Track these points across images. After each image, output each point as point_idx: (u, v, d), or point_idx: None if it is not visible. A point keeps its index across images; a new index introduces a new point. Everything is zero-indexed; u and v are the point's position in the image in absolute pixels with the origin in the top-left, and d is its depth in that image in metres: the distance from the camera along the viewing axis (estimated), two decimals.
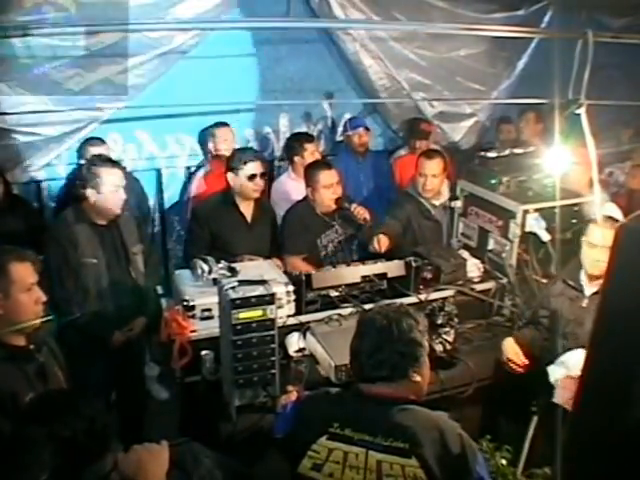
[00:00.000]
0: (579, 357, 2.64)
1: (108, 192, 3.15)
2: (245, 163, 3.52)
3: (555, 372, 2.73)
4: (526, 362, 2.92)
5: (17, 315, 2.13)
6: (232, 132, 4.37)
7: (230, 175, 3.57)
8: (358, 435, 1.79)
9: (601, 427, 1.44)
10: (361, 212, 3.60)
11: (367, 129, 4.77)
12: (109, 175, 3.16)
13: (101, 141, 4.12)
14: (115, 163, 3.27)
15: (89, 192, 3.14)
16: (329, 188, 3.62)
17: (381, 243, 3.52)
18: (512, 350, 2.96)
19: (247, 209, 3.64)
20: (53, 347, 2.35)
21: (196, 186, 4.38)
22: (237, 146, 4.40)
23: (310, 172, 3.72)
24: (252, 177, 3.53)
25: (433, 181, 3.81)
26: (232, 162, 3.59)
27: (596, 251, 2.73)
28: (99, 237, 3.21)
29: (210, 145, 4.41)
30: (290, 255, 3.64)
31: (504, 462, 2.59)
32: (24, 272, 2.14)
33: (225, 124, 4.37)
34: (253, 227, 3.65)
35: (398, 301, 2.62)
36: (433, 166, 3.81)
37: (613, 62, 4.76)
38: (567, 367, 2.67)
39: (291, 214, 3.79)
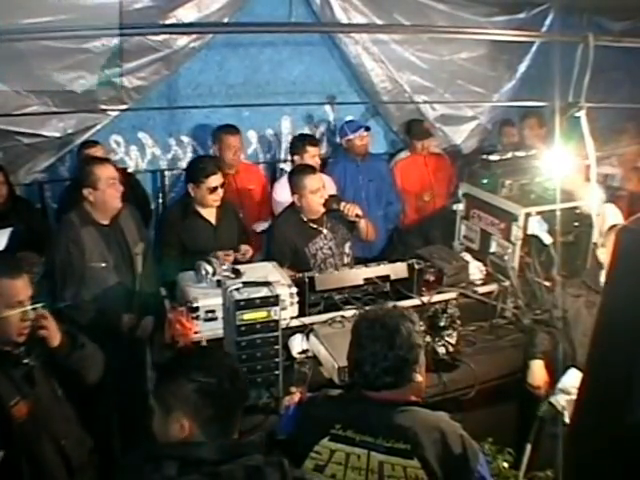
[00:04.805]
0: (573, 377, 2.66)
1: (105, 187, 3.18)
2: (207, 176, 3.52)
3: (559, 400, 2.72)
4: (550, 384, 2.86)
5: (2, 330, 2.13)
6: (240, 140, 4.36)
7: (191, 185, 3.58)
8: (360, 436, 1.79)
9: (601, 429, 1.44)
10: (351, 209, 3.57)
11: (368, 129, 4.74)
12: (102, 171, 3.19)
13: (97, 143, 4.16)
14: (105, 160, 3.32)
15: (87, 192, 3.17)
16: (316, 193, 3.54)
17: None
18: (542, 378, 2.88)
19: (210, 214, 3.67)
20: (46, 351, 2.32)
21: None
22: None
23: (295, 178, 3.62)
24: (213, 189, 3.55)
25: None
26: (194, 173, 3.59)
27: None
28: (105, 238, 3.23)
29: (215, 148, 4.40)
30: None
31: (506, 465, 2.60)
32: (12, 289, 2.14)
33: (235, 132, 4.32)
34: (219, 229, 3.68)
35: (390, 303, 2.62)
36: None
37: (616, 65, 4.77)
38: (568, 392, 2.66)
39: (277, 223, 3.74)
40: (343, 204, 3.59)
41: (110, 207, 3.24)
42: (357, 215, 3.59)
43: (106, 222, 3.26)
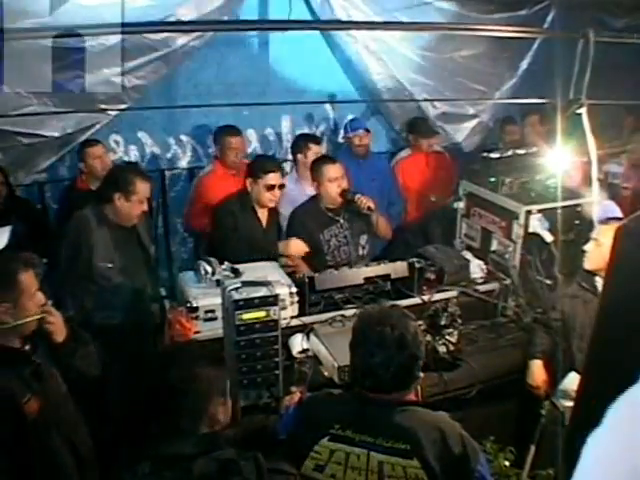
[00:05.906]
0: (574, 380, 2.65)
1: (137, 202, 3.12)
2: (266, 173, 3.57)
3: (562, 402, 2.73)
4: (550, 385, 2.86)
5: (22, 321, 2.14)
6: (242, 142, 4.35)
7: (249, 181, 3.62)
8: (359, 436, 1.79)
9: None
10: (364, 201, 3.65)
11: (367, 131, 4.74)
12: (143, 188, 3.14)
13: (98, 142, 4.14)
14: (147, 176, 3.27)
15: (117, 196, 3.10)
16: (334, 182, 3.67)
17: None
18: (541, 378, 2.89)
19: (263, 214, 3.73)
20: (52, 347, 2.33)
21: (197, 187, 4.39)
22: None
23: (316, 167, 3.77)
24: (271, 187, 3.60)
25: None
26: (253, 169, 3.64)
27: (603, 249, 2.71)
28: (118, 240, 3.18)
29: (217, 148, 4.37)
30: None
31: (507, 463, 2.59)
32: (30, 280, 2.15)
33: (237, 133, 4.29)
34: (267, 232, 3.72)
35: (387, 303, 2.62)
36: None
37: (619, 62, 4.75)
38: (569, 395, 2.65)
39: (296, 211, 3.83)
40: (357, 196, 3.68)
41: (129, 220, 3.19)
42: (369, 208, 3.65)
43: (121, 224, 3.20)
